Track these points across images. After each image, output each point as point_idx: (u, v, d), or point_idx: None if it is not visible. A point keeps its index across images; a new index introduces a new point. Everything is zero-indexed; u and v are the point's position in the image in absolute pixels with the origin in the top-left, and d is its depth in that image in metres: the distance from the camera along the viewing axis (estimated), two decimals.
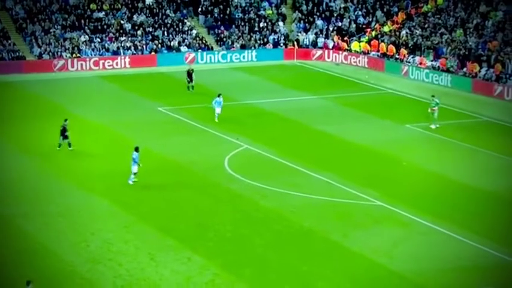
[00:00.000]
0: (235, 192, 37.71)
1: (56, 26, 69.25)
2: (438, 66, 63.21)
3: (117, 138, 46.55)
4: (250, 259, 30.64)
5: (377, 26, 72.35)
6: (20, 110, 52.74)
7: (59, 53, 66.93)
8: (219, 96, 49.56)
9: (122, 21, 71.46)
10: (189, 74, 58.00)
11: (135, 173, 38.23)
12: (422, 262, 30.47)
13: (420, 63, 64.57)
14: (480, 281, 28.89)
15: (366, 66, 68.37)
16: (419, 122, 49.98)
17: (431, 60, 64.27)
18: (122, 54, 68.35)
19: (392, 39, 69.07)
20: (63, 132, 43.02)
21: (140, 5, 73.50)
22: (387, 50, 67.97)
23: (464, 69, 61.50)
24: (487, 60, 60.92)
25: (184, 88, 58.37)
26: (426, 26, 68.95)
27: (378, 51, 68.85)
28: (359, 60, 69.33)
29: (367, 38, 71.19)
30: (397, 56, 67.13)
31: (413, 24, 70.19)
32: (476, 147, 45.30)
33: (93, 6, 71.94)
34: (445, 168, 41.53)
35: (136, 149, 38.18)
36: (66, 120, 43.56)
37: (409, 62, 65.68)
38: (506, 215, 35.53)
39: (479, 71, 60.57)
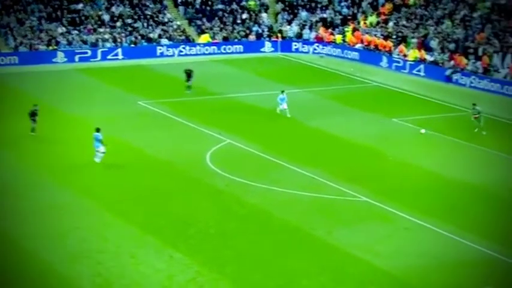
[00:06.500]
0: (218, 187, 37.83)
1: (31, 18, 68.95)
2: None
3: (91, 129, 46.40)
4: (233, 256, 30.61)
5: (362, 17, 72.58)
6: None
7: (35, 45, 66.67)
8: (282, 92, 50.07)
9: (101, 12, 71.19)
10: (188, 74, 56.17)
11: (103, 152, 39.73)
12: (407, 258, 30.56)
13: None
14: (465, 277, 29.10)
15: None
16: (407, 116, 50.44)
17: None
18: (100, 46, 68.19)
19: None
20: (32, 116, 44.45)
21: None
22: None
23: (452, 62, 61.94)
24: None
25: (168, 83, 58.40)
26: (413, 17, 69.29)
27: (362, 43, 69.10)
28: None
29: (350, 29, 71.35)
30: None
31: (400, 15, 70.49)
32: (462, 141, 45.63)
33: None
34: (432, 163, 41.71)
35: (98, 130, 39.87)
36: (36, 105, 44.86)
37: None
38: (491, 209, 35.75)
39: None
